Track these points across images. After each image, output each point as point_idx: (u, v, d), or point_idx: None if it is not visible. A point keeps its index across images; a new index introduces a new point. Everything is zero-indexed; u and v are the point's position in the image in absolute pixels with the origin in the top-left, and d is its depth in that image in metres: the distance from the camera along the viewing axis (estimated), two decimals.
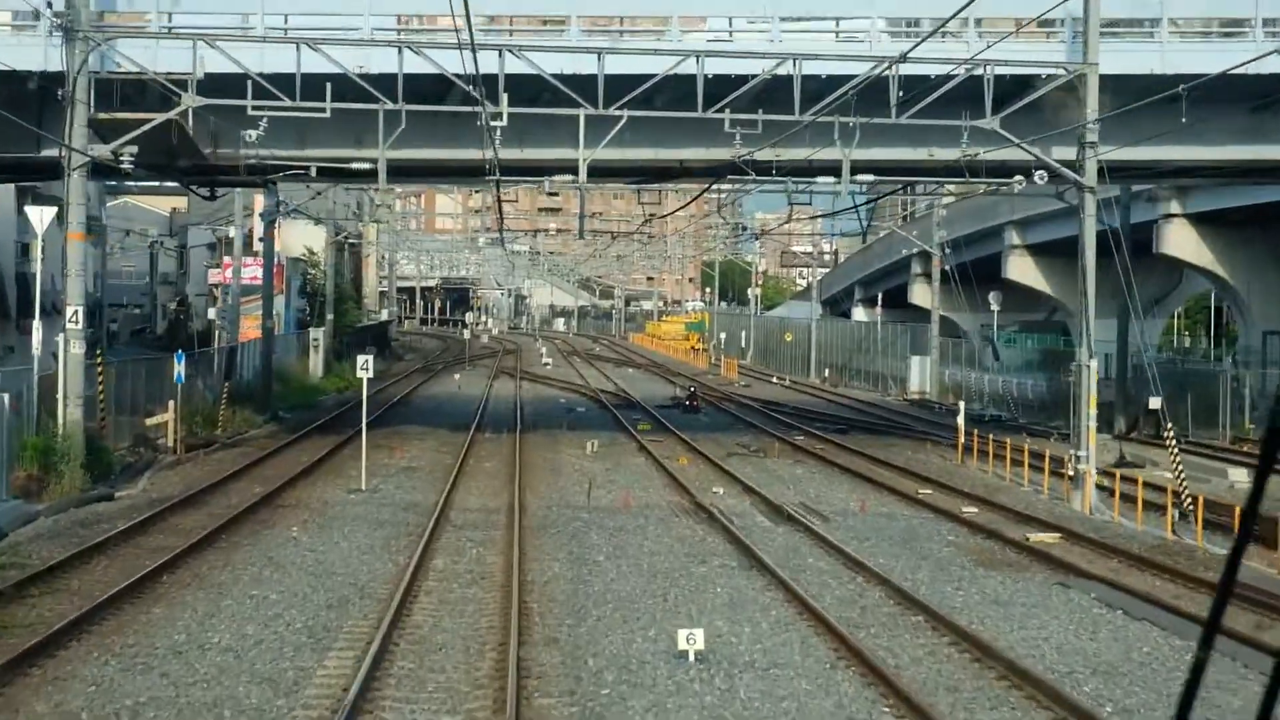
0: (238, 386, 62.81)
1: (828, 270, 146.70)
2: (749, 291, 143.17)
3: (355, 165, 46.09)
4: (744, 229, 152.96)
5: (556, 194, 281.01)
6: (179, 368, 50.05)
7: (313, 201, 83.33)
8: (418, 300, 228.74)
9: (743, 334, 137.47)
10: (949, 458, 53.37)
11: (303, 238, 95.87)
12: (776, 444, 55.33)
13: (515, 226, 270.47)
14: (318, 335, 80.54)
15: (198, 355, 62.68)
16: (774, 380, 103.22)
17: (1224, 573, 3.83)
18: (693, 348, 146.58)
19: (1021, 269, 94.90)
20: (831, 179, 45.41)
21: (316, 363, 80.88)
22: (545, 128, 44.15)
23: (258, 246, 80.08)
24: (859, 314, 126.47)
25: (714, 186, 61.58)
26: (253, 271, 79.16)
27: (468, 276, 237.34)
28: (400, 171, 50.06)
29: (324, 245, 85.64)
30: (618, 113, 41.16)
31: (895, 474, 47.43)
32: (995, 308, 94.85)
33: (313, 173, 47.19)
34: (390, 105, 40.35)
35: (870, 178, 47.13)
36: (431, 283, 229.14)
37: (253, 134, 41.41)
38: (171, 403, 48.82)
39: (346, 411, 66.72)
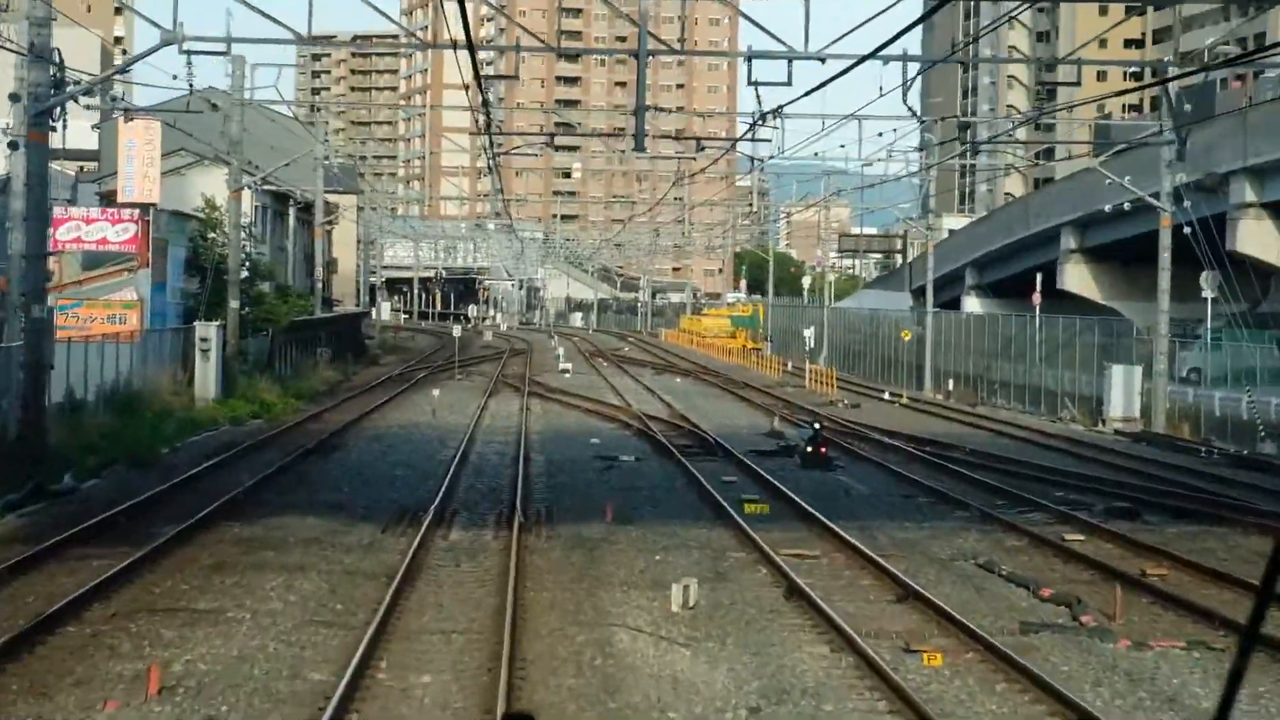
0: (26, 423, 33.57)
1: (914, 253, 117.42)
2: (802, 281, 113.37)
3: None
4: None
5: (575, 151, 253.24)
6: None
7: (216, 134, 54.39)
8: (415, 292, 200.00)
9: (809, 331, 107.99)
10: None
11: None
12: (1118, 591, 24.01)
13: (528, 214, 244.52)
14: (206, 334, 51.02)
15: None
16: (885, 396, 73.73)
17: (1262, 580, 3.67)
18: (744, 347, 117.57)
19: (1261, 236, 65.73)
20: None
21: (206, 377, 51.42)
22: None
23: (137, 188, 50.90)
24: (971, 305, 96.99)
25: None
26: (104, 232, 50.04)
27: (473, 266, 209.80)
28: None
29: (227, 194, 56.02)
30: None
31: None
32: (1209, 293, 65.74)
33: None
34: None
35: None
36: (429, 273, 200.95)
37: None
38: None
39: (222, 467, 37.70)
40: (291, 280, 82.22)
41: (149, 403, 45.57)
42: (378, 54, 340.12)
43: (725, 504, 32.89)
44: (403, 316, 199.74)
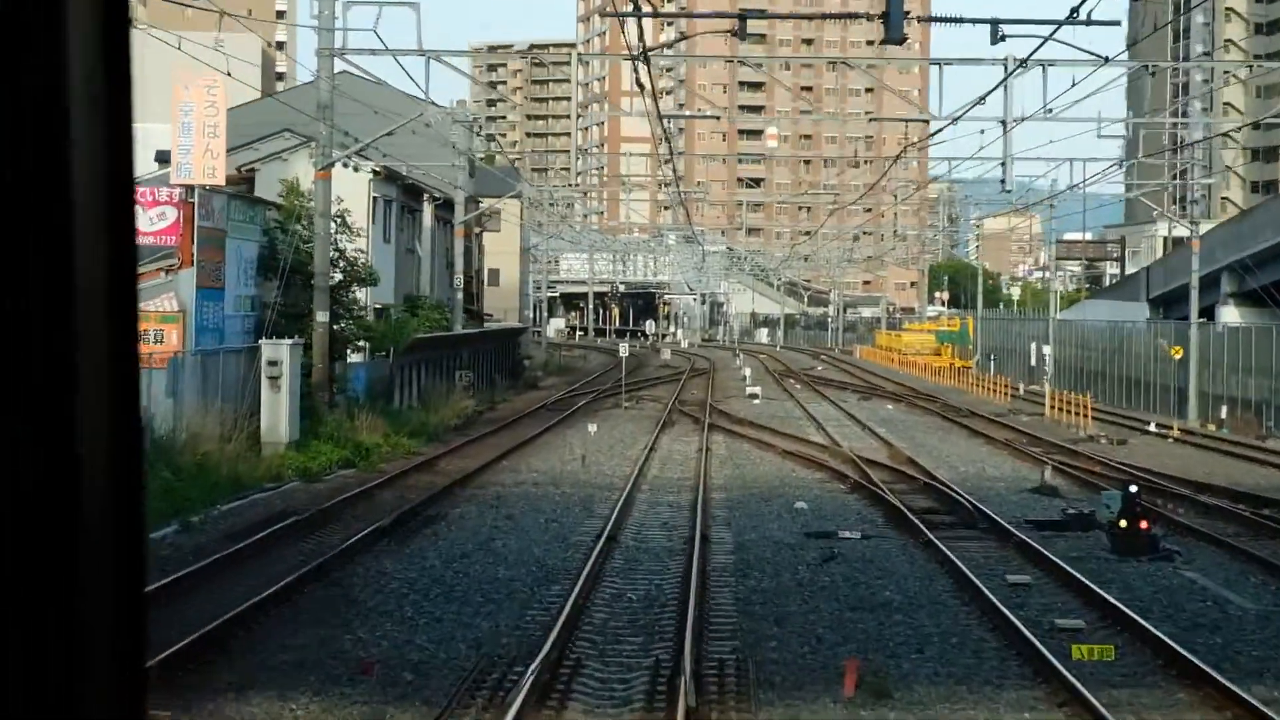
0: None
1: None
2: (1010, 292, 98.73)
3: None
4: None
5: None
6: None
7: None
8: (590, 306, 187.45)
9: (1047, 349, 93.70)
10: None
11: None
12: None
13: (710, 223, 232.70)
14: (277, 355, 37.91)
15: None
16: (1150, 428, 59.46)
17: None
18: (952, 365, 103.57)
19: None
20: None
21: (277, 413, 38.31)
22: None
23: (195, 166, 38.17)
24: (1229, 315, 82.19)
25: None
26: (163, 217, 37.34)
27: (653, 279, 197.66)
28: None
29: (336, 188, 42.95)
30: None
31: None
32: None
33: None
34: None
35: None
36: (602, 288, 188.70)
37: None
38: None
39: (227, 565, 24.73)
40: (430, 290, 69.47)
41: (182, 453, 32.61)
42: (554, 63, 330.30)
43: (1033, 638, 19.33)
44: (579, 333, 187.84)
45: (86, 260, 1.90)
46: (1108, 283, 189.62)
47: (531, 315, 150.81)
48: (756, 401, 70.05)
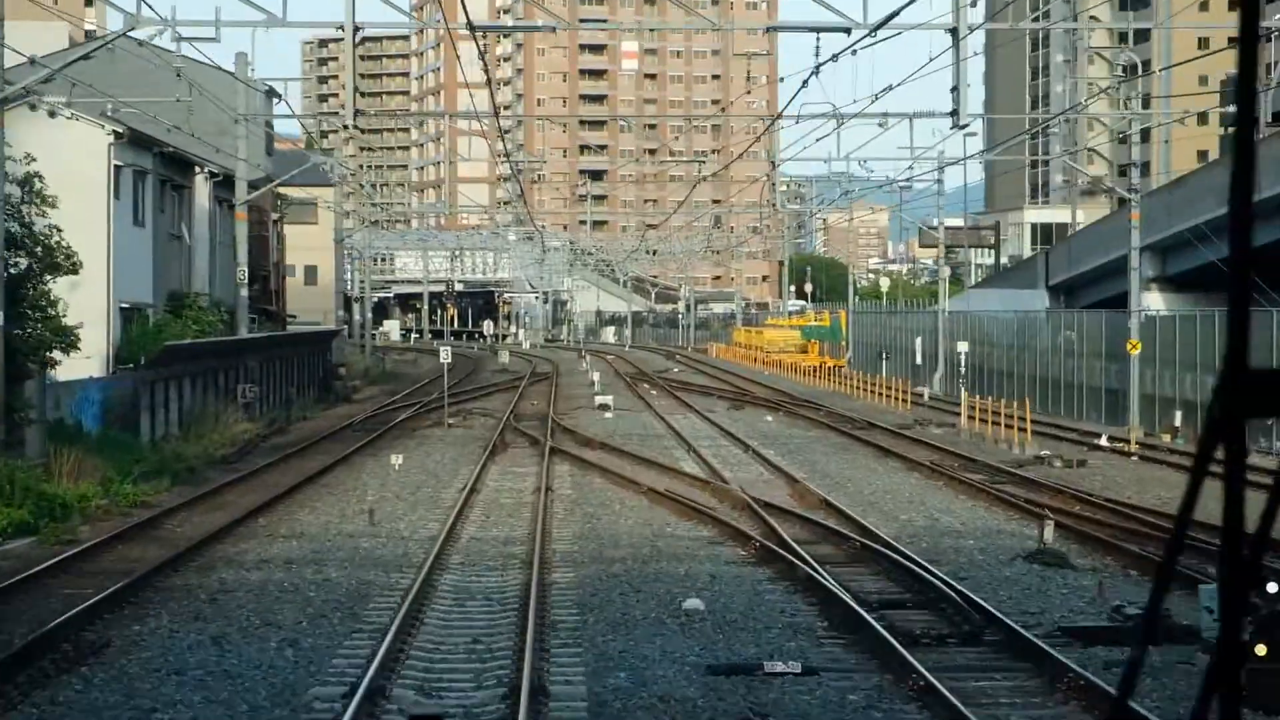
0: None
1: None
2: (941, 272, 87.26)
3: None
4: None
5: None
6: None
7: None
8: (425, 308, 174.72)
9: (917, 343, 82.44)
10: None
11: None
12: None
13: (550, 219, 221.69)
14: None
15: None
16: (1100, 441, 47.87)
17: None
18: (828, 364, 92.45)
19: None
20: None
21: None
22: None
23: None
24: (1153, 301, 70.90)
25: None
26: None
27: (492, 279, 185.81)
28: None
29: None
30: None
31: None
32: None
33: None
34: None
35: None
36: (438, 288, 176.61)
37: None
38: None
39: None
40: (211, 287, 56.82)
41: None
42: (388, 56, 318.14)
43: None
44: (414, 336, 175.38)
45: None
46: (974, 274, 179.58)
47: (354, 317, 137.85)
48: (609, 415, 57.98)
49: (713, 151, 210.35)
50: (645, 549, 26.57)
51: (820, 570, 22.99)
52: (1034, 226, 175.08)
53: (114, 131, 45.02)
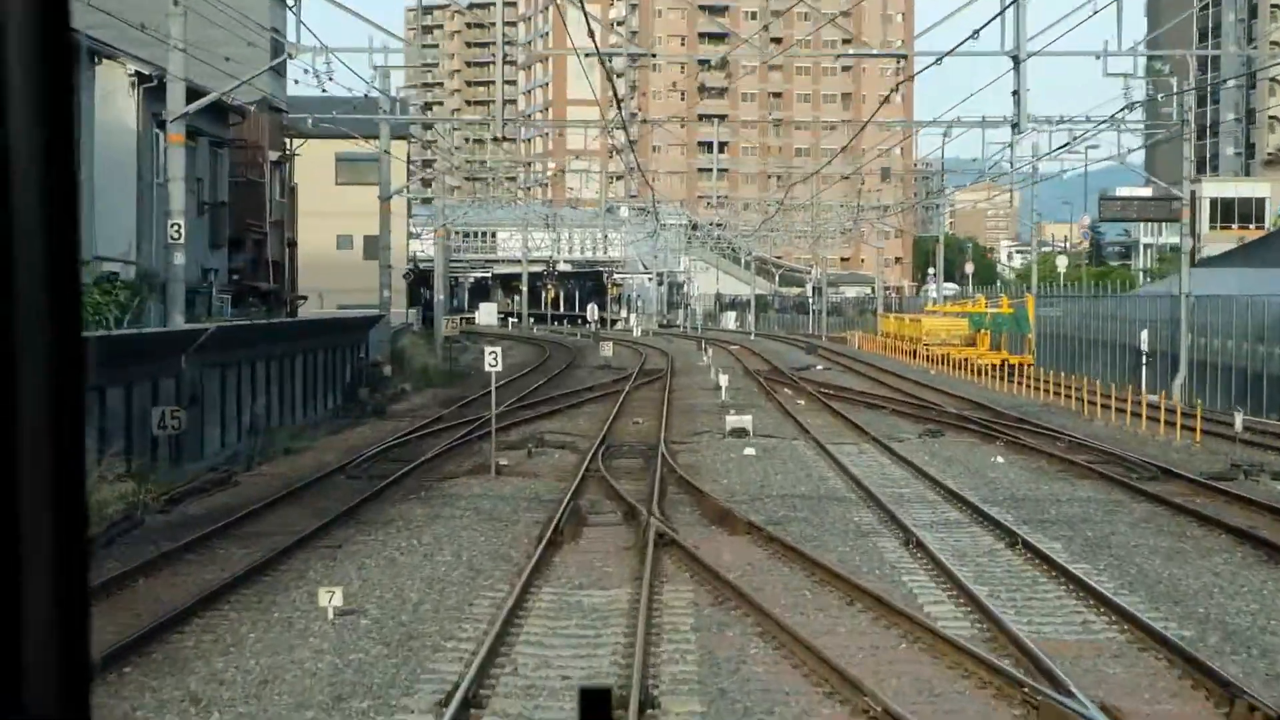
0: None
1: None
2: (1183, 244, 67.48)
3: None
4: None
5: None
6: None
7: None
8: (524, 291, 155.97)
9: (1142, 337, 62.76)
10: None
11: None
12: None
13: (669, 194, 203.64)
14: None
15: None
16: None
17: None
18: (1010, 362, 73.95)
19: None
20: None
21: None
22: None
23: None
24: None
25: None
26: None
27: (602, 258, 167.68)
28: None
29: None
30: None
31: None
32: None
33: None
34: None
35: None
36: (538, 267, 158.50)
37: None
38: None
39: None
40: (139, 254, 37.90)
41: None
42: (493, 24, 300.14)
43: None
44: (511, 321, 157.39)
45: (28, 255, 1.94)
46: (1144, 256, 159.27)
47: (441, 299, 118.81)
48: (748, 448, 38.53)
49: (842, 122, 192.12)
50: None
51: None
52: (1213, 202, 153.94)
53: None
